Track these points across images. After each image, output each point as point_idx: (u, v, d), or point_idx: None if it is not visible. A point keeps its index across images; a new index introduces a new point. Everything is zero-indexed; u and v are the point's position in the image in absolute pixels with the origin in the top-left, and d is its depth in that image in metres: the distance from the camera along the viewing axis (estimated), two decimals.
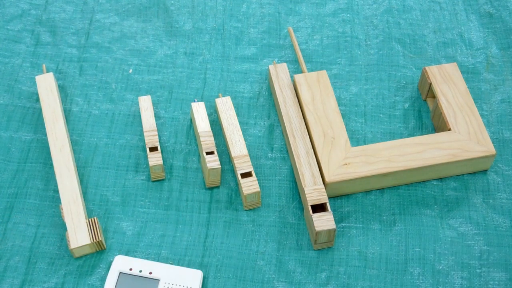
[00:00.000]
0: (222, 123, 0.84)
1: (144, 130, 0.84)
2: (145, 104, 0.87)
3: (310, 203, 0.77)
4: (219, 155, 0.85)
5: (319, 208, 0.77)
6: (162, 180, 0.83)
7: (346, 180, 0.79)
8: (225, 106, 0.86)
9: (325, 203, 0.77)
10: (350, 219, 0.80)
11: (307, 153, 0.81)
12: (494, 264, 0.77)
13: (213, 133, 0.87)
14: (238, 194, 0.82)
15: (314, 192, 0.78)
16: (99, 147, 0.86)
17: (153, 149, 0.82)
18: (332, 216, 0.75)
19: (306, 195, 0.77)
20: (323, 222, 0.75)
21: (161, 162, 0.81)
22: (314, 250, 0.78)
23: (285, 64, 0.90)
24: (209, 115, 0.89)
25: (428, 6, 1.01)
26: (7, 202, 0.81)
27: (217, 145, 0.86)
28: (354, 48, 0.96)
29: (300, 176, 0.79)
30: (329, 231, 0.75)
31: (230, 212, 0.81)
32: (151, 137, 0.83)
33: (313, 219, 0.75)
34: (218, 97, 0.91)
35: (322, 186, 0.78)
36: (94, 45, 0.96)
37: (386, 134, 0.88)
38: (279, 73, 0.89)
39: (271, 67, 0.89)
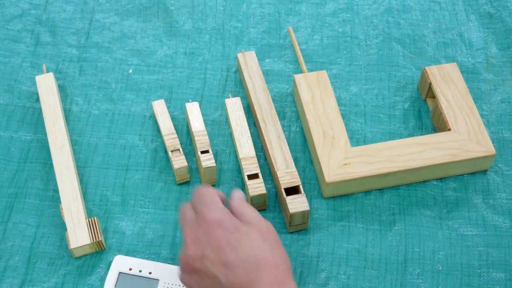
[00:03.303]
0: (231, 124, 0.84)
1: (163, 134, 0.83)
2: (160, 108, 0.86)
3: (283, 186, 0.77)
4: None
5: (292, 191, 0.78)
6: (187, 181, 0.83)
7: (346, 180, 0.79)
8: (235, 106, 0.86)
9: (298, 186, 0.78)
10: (349, 219, 0.80)
11: (278, 137, 0.82)
12: (494, 265, 0.77)
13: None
14: None
15: (286, 176, 0.79)
16: (99, 147, 0.86)
17: (176, 151, 0.82)
18: (305, 198, 0.76)
19: (279, 179, 0.78)
20: (297, 204, 0.76)
21: (185, 164, 0.81)
22: (289, 233, 0.79)
23: (253, 52, 0.91)
24: (209, 115, 0.89)
25: (428, 6, 1.01)
26: (7, 202, 0.81)
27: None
28: (354, 48, 0.96)
29: (272, 160, 0.80)
30: (303, 212, 0.76)
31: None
32: (171, 140, 0.83)
33: (287, 201, 0.76)
34: (217, 97, 0.91)
35: (295, 169, 0.79)
36: (94, 45, 0.96)
37: (386, 134, 0.88)
38: (248, 61, 0.90)
39: (239, 55, 0.91)
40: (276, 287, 0.61)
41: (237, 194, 0.69)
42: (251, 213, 0.67)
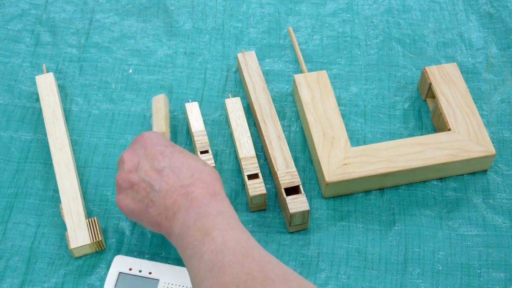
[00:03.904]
0: (231, 124, 0.84)
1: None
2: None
3: (283, 186, 0.78)
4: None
5: (292, 191, 0.78)
6: None
7: (346, 180, 0.79)
8: (235, 107, 0.86)
9: (298, 186, 0.78)
10: (349, 219, 0.80)
11: (278, 137, 0.82)
12: (494, 265, 0.77)
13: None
14: (238, 194, 0.82)
15: (286, 176, 0.79)
16: (99, 147, 0.86)
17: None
18: (305, 198, 0.76)
19: (279, 179, 0.78)
20: (297, 204, 0.76)
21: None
22: (289, 233, 0.79)
23: (253, 52, 0.91)
24: (209, 115, 0.89)
25: (428, 6, 1.01)
26: (7, 202, 0.81)
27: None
28: (354, 48, 0.96)
29: (272, 160, 0.80)
30: (303, 212, 0.76)
31: None
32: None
33: (287, 201, 0.76)
34: (217, 97, 0.91)
35: (295, 169, 0.79)
36: (94, 45, 0.96)
37: (386, 134, 0.88)
38: (248, 61, 0.90)
39: (239, 55, 0.91)
40: (210, 190, 0.64)
41: None
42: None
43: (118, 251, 0.78)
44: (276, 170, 0.79)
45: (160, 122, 0.80)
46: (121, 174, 0.69)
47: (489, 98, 0.91)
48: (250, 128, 0.86)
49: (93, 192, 0.82)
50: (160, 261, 0.77)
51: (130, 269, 0.75)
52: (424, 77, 0.89)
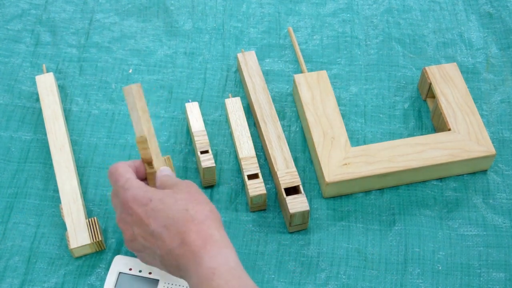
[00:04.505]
0: (231, 124, 0.84)
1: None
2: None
3: (283, 186, 0.78)
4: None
5: (292, 191, 0.78)
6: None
7: (346, 180, 0.79)
8: (235, 106, 0.86)
9: (298, 186, 0.78)
10: (349, 219, 0.80)
11: (278, 137, 0.82)
12: (494, 265, 0.77)
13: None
14: (238, 194, 0.82)
15: (286, 176, 0.79)
16: (99, 147, 0.86)
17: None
18: (305, 198, 0.76)
19: (279, 179, 0.78)
20: (297, 204, 0.76)
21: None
22: (289, 233, 0.79)
23: (253, 52, 0.91)
24: (209, 115, 0.89)
25: (428, 6, 1.01)
26: (7, 202, 0.81)
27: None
28: (354, 48, 0.96)
29: (272, 160, 0.80)
30: (303, 212, 0.76)
31: (230, 212, 0.81)
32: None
33: (287, 201, 0.76)
34: (217, 97, 0.91)
35: (295, 169, 0.79)
36: (94, 45, 0.96)
37: (386, 134, 0.88)
38: (248, 61, 0.90)
39: (239, 55, 0.91)
40: (200, 242, 0.61)
41: (163, 169, 0.71)
42: (170, 179, 0.69)
43: (118, 251, 0.78)
44: (276, 170, 0.79)
45: (138, 126, 0.70)
46: (126, 244, 0.69)
47: (489, 98, 0.91)
48: (250, 128, 0.86)
49: (93, 192, 0.82)
50: None
51: (130, 269, 0.75)
52: (424, 77, 0.89)
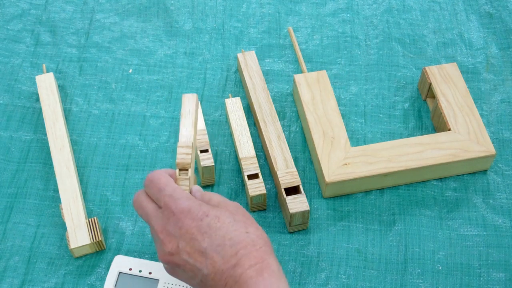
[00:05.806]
0: (231, 123, 0.84)
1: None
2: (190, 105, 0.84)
3: (283, 186, 0.78)
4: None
5: (292, 191, 0.78)
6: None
7: (346, 180, 0.79)
8: (235, 106, 0.86)
9: (298, 186, 0.78)
10: (349, 219, 0.80)
11: (278, 137, 0.82)
12: (494, 265, 0.77)
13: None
14: (238, 194, 0.82)
15: (286, 176, 0.79)
16: (99, 147, 0.86)
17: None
18: (305, 198, 0.76)
19: (279, 179, 0.78)
20: (297, 204, 0.76)
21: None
22: (289, 233, 0.79)
23: (253, 52, 0.91)
24: (209, 115, 0.89)
25: (428, 6, 1.01)
26: (7, 202, 0.81)
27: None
28: (354, 48, 0.96)
29: (272, 160, 0.80)
30: (303, 212, 0.76)
31: None
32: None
33: (287, 201, 0.76)
34: (217, 97, 0.91)
35: (295, 169, 0.79)
36: (94, 45, 0.96)
37: (386, 134, 0.88)
38: (248, 61, 0.90)
39: (239, 55, 0.91)
40: (257, 267, 0.58)
41: (196, 188, 0.67)
42: (216, 197, 0.65)
43: (118, 251, 0.78)
44: (276, 170, 0.80)
45: (188, 131, 0.70)
46: (163, 255, 0.63)
47: (489, 98, 0.91)
48: (250, 128, 0.86)
49: (93, 192, 0.82)
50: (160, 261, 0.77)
51: (130, 269, 0.75)
52: (424, 77, 0.89)
